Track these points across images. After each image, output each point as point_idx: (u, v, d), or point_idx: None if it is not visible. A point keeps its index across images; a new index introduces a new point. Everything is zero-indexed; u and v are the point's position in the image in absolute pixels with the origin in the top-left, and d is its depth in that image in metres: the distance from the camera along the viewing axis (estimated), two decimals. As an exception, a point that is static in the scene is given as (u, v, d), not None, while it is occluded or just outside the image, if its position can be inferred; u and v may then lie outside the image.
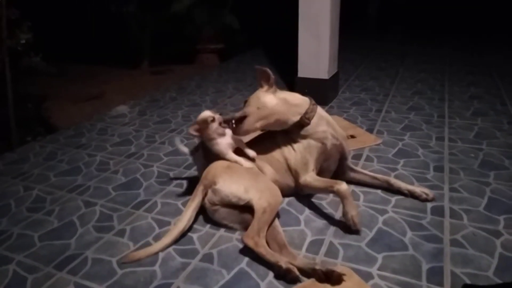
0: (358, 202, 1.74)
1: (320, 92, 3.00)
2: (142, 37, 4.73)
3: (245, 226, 1.53)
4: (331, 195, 1.79)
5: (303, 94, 1.73)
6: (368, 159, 2.13)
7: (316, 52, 2.96)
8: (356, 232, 1.51)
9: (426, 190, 1.73)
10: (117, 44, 4.71)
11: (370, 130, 2.51)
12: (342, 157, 1.81)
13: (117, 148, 2.41)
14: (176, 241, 1.51)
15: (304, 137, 1.67)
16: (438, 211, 1.65)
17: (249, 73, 4.15)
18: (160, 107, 3.18)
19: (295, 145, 1.69)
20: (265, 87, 1.66)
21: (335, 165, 1.80)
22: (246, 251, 1.43)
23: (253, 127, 1.64)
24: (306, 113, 1.64)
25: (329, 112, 2.85)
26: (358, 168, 1.88)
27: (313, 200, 1.76)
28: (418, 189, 1.74)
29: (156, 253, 1.45)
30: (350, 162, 1.86)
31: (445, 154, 2.16)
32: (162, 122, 2.84)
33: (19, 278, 1.38)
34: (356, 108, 2.96)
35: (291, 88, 3.28)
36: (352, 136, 2.38)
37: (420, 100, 3.07)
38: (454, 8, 7.11)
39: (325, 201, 1.76)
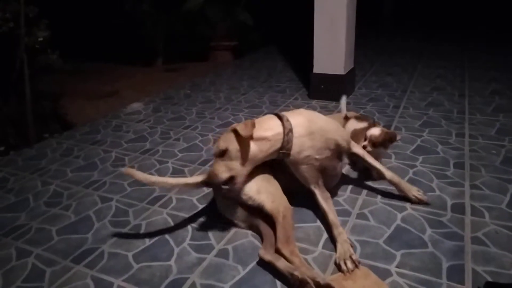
0: (376, 199, 1.71)
1: (336, 88, 2.96)
2: (156, 35, 4.77)
3: (248, 225, 1.53)
4: (348, 191, 1.77)
5: (279, 117, 1.50)
6: (386, 155, 2.09)
7: (332, 47, 2.92)
8: None
9: (421, 195, 1.64)
10: (132, 42, 4.76)
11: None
12: (342, 155, 1.67)
13: (132, 145, 2.43)
14: (175, 186, 1.62)
15: (293, 163, 1.53)
16: (458, 209, 1.60)
17: (263, 70, 4.13)
18: (174, 104, 3.19)
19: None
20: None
21: (334, 169, 1.65)
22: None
23: (245, 175, 1.45)
24: (282, 147, 1.46)
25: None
26: (362, 154, 1.71)
27: (329, 196, 1.74)
28: (411, 192, 1.65)
29: (152, 184, 1.52)
30: (354, 148, 1.68)
31: (466, 151, 2.10)
32: (176, 118, 2.84)
33: (37, 271, 1.40)
34: (373, 104, 2.91)
35: (306, 84, 3.25)
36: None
37: (439, 96, 3.00)
38: (473, 4, 6.93)
39: (341, 198, 1.73)
